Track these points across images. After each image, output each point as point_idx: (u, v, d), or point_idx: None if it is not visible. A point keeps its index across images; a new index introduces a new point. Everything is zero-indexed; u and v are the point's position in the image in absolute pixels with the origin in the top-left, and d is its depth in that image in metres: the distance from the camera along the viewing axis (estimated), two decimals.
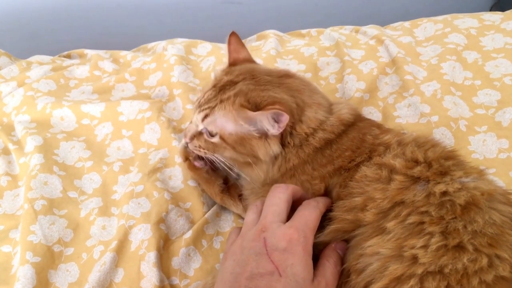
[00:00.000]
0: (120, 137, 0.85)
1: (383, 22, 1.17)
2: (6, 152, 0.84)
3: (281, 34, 1.09)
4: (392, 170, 0.56)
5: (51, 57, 1.08)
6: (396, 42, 0.97)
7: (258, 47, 1.04)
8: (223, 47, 1.04)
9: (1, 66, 1.04)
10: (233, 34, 0.74)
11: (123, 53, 1.07)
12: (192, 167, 0.75)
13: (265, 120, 0.60)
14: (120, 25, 1.52)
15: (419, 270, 0.47)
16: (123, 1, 1.52)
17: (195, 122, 0.68)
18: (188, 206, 0.75)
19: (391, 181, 0.55)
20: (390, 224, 0.52)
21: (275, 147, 0.63)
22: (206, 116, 0.65)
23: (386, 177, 0.56)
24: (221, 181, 0.74)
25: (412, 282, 0.47)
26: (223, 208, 0.76)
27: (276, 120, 0.59)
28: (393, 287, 0.48)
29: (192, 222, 0.73)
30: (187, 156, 0.76)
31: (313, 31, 1.09)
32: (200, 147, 0.68)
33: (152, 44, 1.11)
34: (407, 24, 1.07)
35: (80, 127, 0.87)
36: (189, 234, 0.70)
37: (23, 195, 0.75)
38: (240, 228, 0.59)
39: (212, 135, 0.65)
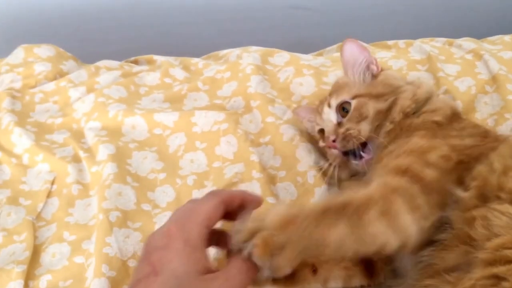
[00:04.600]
0: (193, 149, 0.89)
1: (473, 34, 1.17)
2: (76, 159, 0.90)
3: (365, 44, 1.11)
4: None
5: (119, 63, 1.15)
6: (496, 57, 0.97)
7: (340, 58, 1.06)
8: (302, 57, 1.07)
9: (69, 71, 1.11)
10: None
11: (194, 60, 1.12)
12: None
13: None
14: (183, 31, 1.59)
15: None
16: (184, 6, 1.58)
17: (328, 119, 0.79)
18: None
19: None
20: None
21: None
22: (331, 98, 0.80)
23: None
24: None
25: None
26: None
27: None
28: None
29: None
30: None
31: (401, 42, 1.10)
32: (348, 129, 0.74)
33: (224, 51, 1.15)
34: (507, 38, 1.07)
35: (152, 137, 0.92)
36: None
37: (97, 205, 0.79)
38: None
39: (347, 108, 0.77)
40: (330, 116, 0.79)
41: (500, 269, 0.48)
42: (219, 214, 0.53)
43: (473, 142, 0.66)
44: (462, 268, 0.53)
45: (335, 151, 0.77)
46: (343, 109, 0.78)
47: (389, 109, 0.75)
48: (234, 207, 0.55)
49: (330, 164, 0.79)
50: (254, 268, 0.49)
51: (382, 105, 0.75)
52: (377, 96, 0.76)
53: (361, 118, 0.75)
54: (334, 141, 0.75)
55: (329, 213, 0.51)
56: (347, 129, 0.74)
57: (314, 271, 0.67)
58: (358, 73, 0.80)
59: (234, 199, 0.55)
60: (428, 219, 0.57)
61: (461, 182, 0.60)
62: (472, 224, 0.54)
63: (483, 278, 0.49)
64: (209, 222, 0.52)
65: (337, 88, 0.82)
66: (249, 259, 0.48)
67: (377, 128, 0.75)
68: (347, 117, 0.76)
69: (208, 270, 0.48)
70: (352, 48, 0.81)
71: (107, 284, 0.68)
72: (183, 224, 0.50)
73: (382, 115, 0.75)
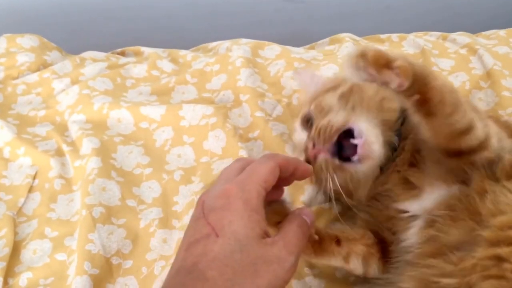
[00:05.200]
0: (181, 144, 0.88)
1: (468, 28, 1.17)
2: (59, 153, 0.88)
3: (357, 38, 1.10)
4: None
5: (105, 54, 1.13)
6: (491, 52, 0.97)
7: (332, 52, 1.05)
8: (294, 50, 1.06)
9: (53, 62, 1.09)
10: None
11: (183, 52, 1.11)
12: None
13: None
14: (173, 24, 1.57)
15: None
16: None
17: (300, 139, 0.73)
18: None
19: None
20: None
21: None
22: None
23: None
24: None
25: None
26: None
27: None
28: None
29: None
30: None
31: (394, 36, 1.10)
32: (317, 125, 0.66)
33: (214, 44, 1.14)
34: (502, 32, 1.07)
35: (138, 131, 0.90)
36: None
37: (80, 200, 0.78)
38: None
39: (310, 117, 0.71)
40: (300, 135, 0.73)
41: (503, 250, 0.48)
42: (275, 178, 0.52)
43: None
44: (465, 248, 0.52)
45: (322, 156, 0.65)
46: (307, 122, 0.72)
47: (350, 91, 0.69)
48: (287, 174, 0.54)
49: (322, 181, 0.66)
50: (308, 233, 0.52)
51: (342, 88, 0.70)
52: (333, 88, 0.71)
53: (325, 112, 0.67)
54: (314, 145, 0.66)
55: None
56: (317, 126, 0.65)
57: (338, 241, 0.65)
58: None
59: (289, 165, 0.54)
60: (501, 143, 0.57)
61: None
62: (483, 197, 0.53)
63: (486, 258, 0.49)
64: (266, 185, 0.51)
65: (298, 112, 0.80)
66: (303, 225, 0.51)
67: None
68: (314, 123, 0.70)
69: (266, 234, 0.49)
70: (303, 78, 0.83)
71: (89, 282, 0.67)
72: (243, 183, 0.50)
73: (347, 96, 0.68)
